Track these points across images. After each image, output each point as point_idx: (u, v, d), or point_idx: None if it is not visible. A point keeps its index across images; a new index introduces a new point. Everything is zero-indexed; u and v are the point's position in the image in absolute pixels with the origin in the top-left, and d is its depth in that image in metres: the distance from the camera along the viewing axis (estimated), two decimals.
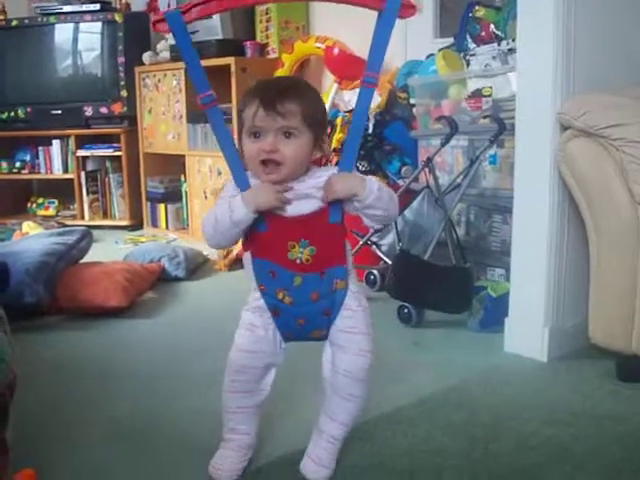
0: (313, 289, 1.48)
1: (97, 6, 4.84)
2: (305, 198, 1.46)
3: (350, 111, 3.57)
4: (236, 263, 3.46)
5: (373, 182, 1.46)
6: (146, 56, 4.73)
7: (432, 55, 3.39)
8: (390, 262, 2.75)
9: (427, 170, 2.87)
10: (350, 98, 3.59)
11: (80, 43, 4.91)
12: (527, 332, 2.30)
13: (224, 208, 1.45)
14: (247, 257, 1.52)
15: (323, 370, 1.57)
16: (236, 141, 1.50)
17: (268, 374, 1.56)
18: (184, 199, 4.66)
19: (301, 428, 1.71)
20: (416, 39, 3.88)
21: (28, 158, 5.18)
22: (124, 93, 4.81)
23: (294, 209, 1.45)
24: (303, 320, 1.51)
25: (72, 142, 4.94)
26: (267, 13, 4.37)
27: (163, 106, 4.65)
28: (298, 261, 1.46)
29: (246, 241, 1.51)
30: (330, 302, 1.50)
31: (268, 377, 1.57)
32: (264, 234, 1.47)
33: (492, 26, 3.10)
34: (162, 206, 4.78)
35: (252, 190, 1.45)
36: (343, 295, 1.51)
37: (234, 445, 1.59)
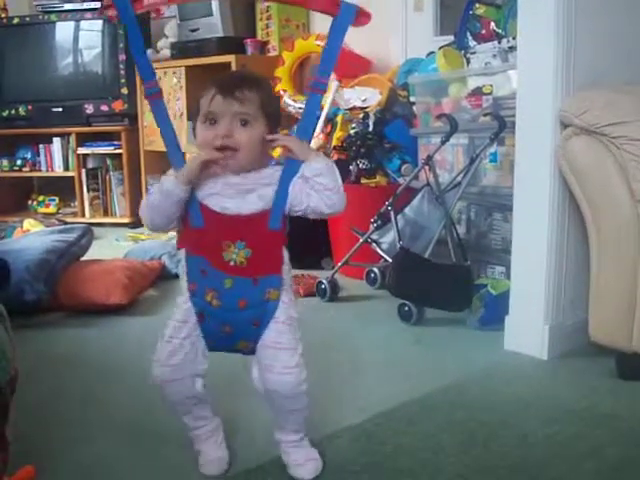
0: (242, 295, 1.44)
1: (98, 4, 4.82)
2: (247, 193, 1.42)
3: (351, 109, 3.57)
4: None
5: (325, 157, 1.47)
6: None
7: (432, 53, 3.40)
8: (390, 260, 2.75)
9: (427, 168, 2.87)
10: (350, 96, 3.59)
11: (81, 41, 4.91)
12: (527, 330, 2.30)
13: (157, 184, 1.46)
14: (182, 254, 1.50)
15: (256, 388, 1.53)
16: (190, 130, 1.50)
17: (195, 383, 1.52)
18: None
19: None
20: (416, 37, 3.88)
21: (29, 156, 5.18)
22: (125, 91, 4.81)
23: (234, 206, 1.42)
24: (229, 327, 1.46)
25: (73, 140, 4.94)
26: (267, 11, 4.37)
27: None
28: (232, 262, 1.42)
29: (182, 237, 1.50)
30: (260, 312, 1.45)
31: (197, 384, 1.52)
32: (200, 229, 1.44)
33: (492, 24, 3.10)
34: None
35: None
36: (275, 306, 1.45)
37: (203, 438, 1.59)
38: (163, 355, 1.50)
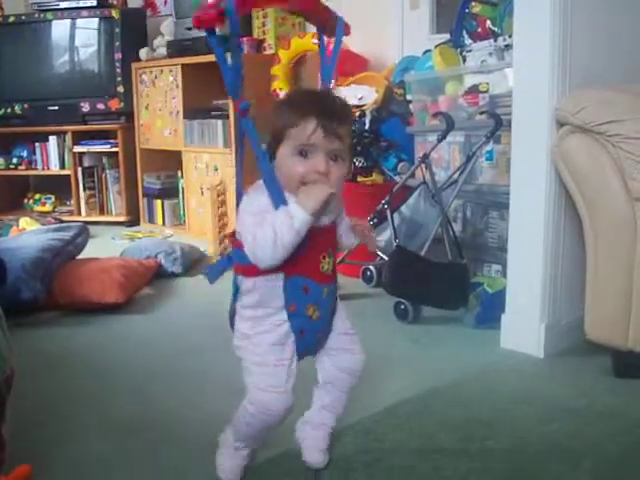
0: (332, 299, 1.50)
1: (94, 2, 4.82)
2: (328, 205, 1.40)
3: None
4: None
5: None
6: (143, 52, 4.73)
7: (429, 51, 3.40)
8: (386, 258, 2.75)
9: (423, 166, 2.87)
10: (346, 94, 3.58)
11: (77, 39, 4.90)
12: (523, 328, 2.30)
13: (281, 220, 1.30)
14: (273, 279, 1.39)
15: (321, 376, 1.58)
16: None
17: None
18: (181, 195, 4.66)
19: None
20: (412, 35, 3.88)
21: (25, 154, 5.17)
22: (121, 89, 4.80)
23: (326, 217, 1.42)
24: (322, 333, 1.51)
25: (69, 138, 4.93)
26: (263, 9, 4.36)
27: (160, 102, 4.64)
28: (327, 272, 1.44)
29: None
30: (335, 309, 1.54)
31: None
32: (300, 247, 1.35)
33: (488, 22, 3.10)
34: (159, 202, 4.78)
35: (302, 194, 1.32)
36: (337, 300, 1.55)
37: (247, 452, 1.56)
38: (275, 380, 1.42)
